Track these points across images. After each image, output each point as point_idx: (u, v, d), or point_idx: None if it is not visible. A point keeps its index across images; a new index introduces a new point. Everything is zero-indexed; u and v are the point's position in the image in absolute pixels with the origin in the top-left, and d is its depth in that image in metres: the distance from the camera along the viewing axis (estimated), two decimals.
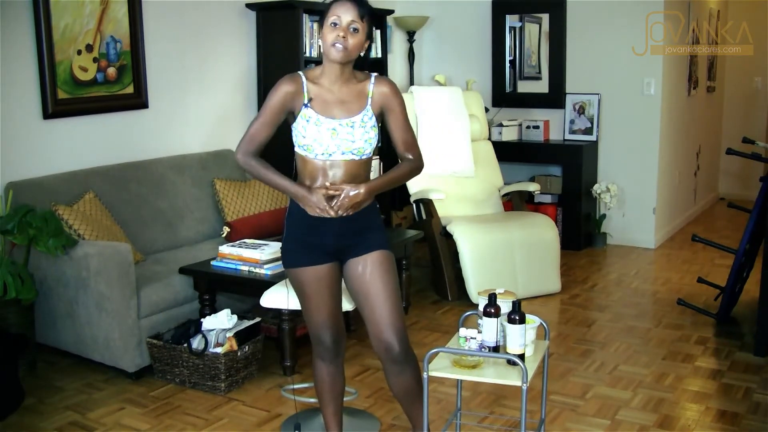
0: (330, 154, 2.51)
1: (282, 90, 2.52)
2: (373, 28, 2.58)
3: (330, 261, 2.62)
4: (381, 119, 2.63)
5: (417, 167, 2.67)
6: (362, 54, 2.55)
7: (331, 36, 2.45)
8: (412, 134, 2.66)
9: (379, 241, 2.62)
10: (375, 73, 2.63)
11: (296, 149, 2.57)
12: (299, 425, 3.09)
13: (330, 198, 2.50)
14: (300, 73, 2.56)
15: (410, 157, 2.65)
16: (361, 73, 2.62)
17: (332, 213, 2.50)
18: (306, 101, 2.51)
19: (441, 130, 5.26)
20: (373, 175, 2.77)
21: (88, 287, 3.63)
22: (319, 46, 2.53)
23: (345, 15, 2.45)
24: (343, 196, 2.50)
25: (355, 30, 2.46)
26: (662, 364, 3.86)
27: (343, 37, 2.44)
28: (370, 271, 2.57)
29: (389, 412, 3.32)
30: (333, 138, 2.49)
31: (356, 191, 2.50)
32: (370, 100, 2.55)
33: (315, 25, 5.20)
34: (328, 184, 2.51)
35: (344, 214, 2.53)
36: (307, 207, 2.53)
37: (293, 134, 2.56)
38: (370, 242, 2.60)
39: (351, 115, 2.52)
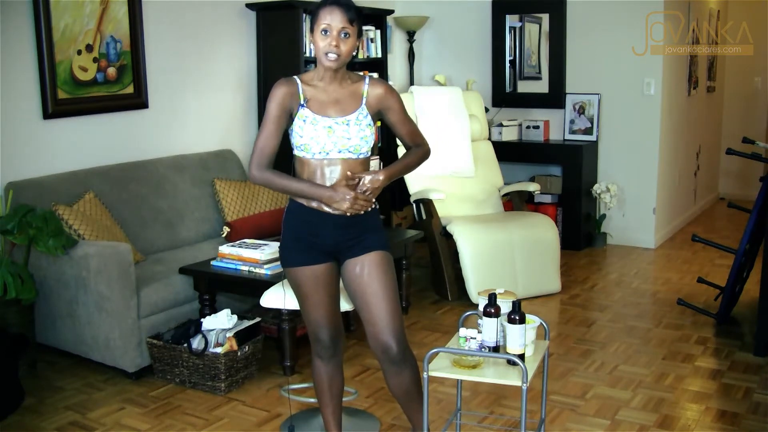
0: (327, 153, 2.52)
1: (279, 93, 2.53)
2: (362, 27, 2.59)
3: (328, 261, 2.63)
4: (380, 119, 2.67)
5: (425, 153, 2.75)
6: (354, 53, 2.57)
7: (323, 44, 2.47)
8: (413, 125, 2.74)
9: (378, 241, 2.62)
10: (369, 75, 2.65)
11: (294, 151, 2.58)
12: (293, 427, 3.10)
13: (351, 188, 2.53)
14: (295, 77, 2.59)
15: (418, 144, 2.74)
16: (355, 74, 2.65)
17: (360, 205, 2.53)
18: (302, 102, 2.53)
19: (441, 130, 5.26)
20: None
21: (88, 287, 3.63)
22: None
23: (335, 22, 2.45)
24: (368, 186, 2.53)
25: (347, 35, 2.47)
26: (662, 364, 3.86)
27: (336, 45, 2.46)
28: (367, 271, 2.58)
29: (389, 412, 3.32)
30: (329, 136, 2.51)
31: (376, 177, 2.54)
32: (364, 100, 2.58)
33: None
34: (349, 173, 2.54)
35: (369, 207, 2.56)
36: (337, 204, 2.52)
37: (291, 137, 2.58)
38: (369, 243, 2.60)
39: (346, 114, 2.54)
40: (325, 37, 2.46)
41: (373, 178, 2.54)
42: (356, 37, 2.52)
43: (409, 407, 2.70)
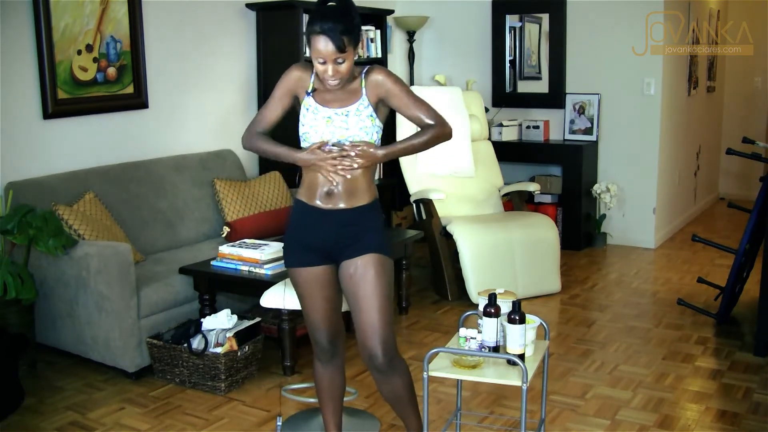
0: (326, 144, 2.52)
1: (291, 74, 2.58)
2: (359, 32, 2.50)
3: (326, 263, 2.61)
4: (386, 108, 2.59)
5: (440, 133, 2.57)
6: (359, 55, 2.55)
7: (321, 69, 2.45)
8: (423, 106, 2.57)
9: (376, 243, 2.58)
10: (368, 66, 2.61)
11: (301, 144, 2.58)
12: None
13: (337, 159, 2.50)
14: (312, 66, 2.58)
15: (430, 125, 2.56)
16: (357, 68, 2.61)
17: (342, 167, 2.49)
18: (309, 90, 2.55)
19: None
20: (376, 174, 2.75)
21: (88, 287, 3.63)
22: None
23: (327, 52, 2.40)
24: (358, 150, 2.47)
25: (342, 60, 2.43)
26: (662, 364, 3.86)
27: (333, 74, 2.44)
28: (360, 274, 2.54)
29: (389, 412, 3.31)
30: (328, 125, 2.51)
31: (373, 152, 2.49)
32: (364, 91, 2.54)
33: None
34: (345, 146, 2.49)
35: (352, 168, 2.50)
36: (314, 166, 2.51)
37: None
38: (366, 244, 2.56)
39: (346, 106, 2.53)
40: (323, 65, 2.44)
41: (372, 152, 2.49)
42: (354, 50, 2.45)
43: (402, 412, 2.70)
